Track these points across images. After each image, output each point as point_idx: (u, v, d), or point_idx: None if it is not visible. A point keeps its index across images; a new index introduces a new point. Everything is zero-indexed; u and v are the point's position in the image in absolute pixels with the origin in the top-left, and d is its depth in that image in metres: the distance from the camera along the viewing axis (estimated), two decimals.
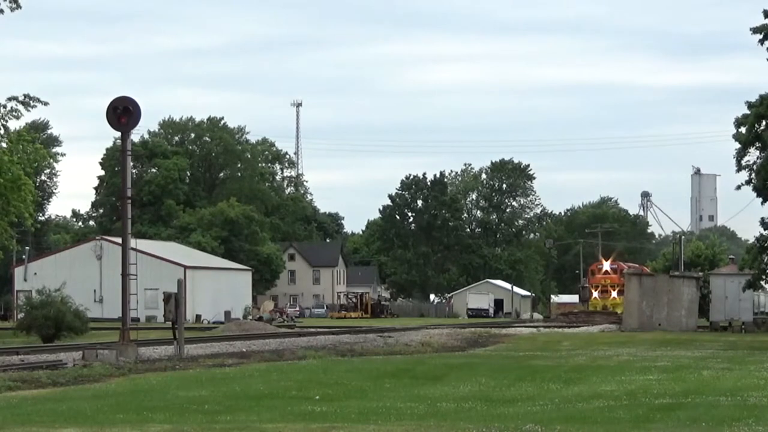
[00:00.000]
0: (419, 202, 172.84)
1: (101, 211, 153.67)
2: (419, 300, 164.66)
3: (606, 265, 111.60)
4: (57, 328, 63.13)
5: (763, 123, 61.56)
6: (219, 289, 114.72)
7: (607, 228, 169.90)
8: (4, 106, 60.69)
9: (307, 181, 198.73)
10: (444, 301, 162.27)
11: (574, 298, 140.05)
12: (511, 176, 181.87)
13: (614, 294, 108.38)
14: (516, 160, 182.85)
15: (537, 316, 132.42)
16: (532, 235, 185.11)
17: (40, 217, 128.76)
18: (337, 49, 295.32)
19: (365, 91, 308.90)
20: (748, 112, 61.72)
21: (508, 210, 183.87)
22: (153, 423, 22.95)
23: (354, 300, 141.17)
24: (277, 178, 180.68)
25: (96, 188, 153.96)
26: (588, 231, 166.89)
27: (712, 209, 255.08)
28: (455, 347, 57.93)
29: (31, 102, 60.59)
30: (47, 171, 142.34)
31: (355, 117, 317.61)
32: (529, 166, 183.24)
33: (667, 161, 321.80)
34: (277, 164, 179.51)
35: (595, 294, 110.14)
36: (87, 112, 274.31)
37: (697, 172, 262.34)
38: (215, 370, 39.08)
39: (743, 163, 62.12)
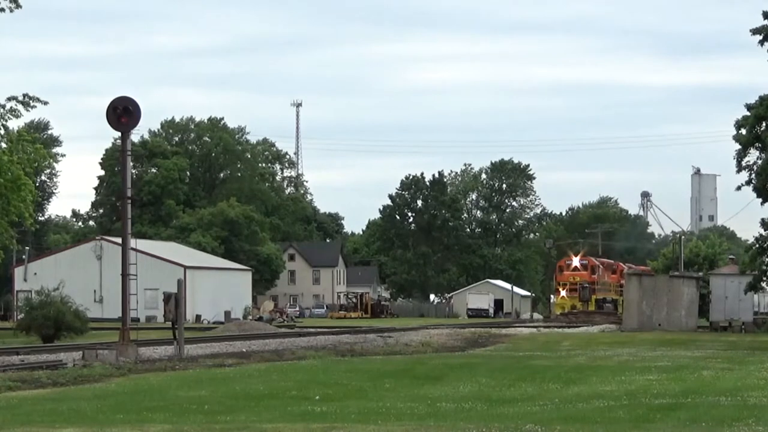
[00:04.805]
0: (419, 202, 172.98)
1: (101, 211, 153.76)
2: (419, 300, 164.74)
3: (575, 261, 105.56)
4: (57, 328, 63.12)
5: (763, 124, 61.66)
6: (219, 289, 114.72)
7: (607, 228, 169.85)
8: (4, 106, 60.67)
9: (307, 181, 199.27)
10: (444, 301, 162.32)
11: None
12: (511, 176, 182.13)
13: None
14: (516, 160, 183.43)
15: (537, 316, 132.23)
16: (532, 235, 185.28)
17: (40, 217, 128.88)
18: (337, 49, 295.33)
19: (365, 91, 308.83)
20: (747, 113, 61.86)
21: (508, 210, 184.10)
22: (153, 423, 22.95)
23: (354, 300, 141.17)
24: (277, 178, 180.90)
25: (96, 188, 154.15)
26: (588, 231, 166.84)
27: (712, 209, 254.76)
28: (455, 347, 57.93)
29: (30, 102, 60.53)
30: (47, 171, 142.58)
31: (355, 117, 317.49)
32: (529, 166, 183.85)
33: (667, 161, 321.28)
34: (277, 164, 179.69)
35: (563, 293, 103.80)
36: (87, 112, 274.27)
37: (697, 172, 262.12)
38: (215, 370, 39.07)
39: (743, 163, 62.24)
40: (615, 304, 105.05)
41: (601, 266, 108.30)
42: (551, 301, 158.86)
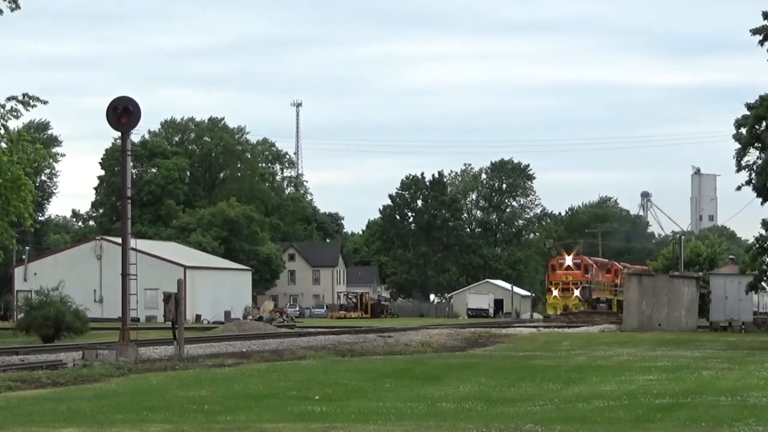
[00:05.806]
0: (419, 202, 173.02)
1: (101, 211, 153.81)
2: (419, 300, 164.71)
3: (568, 260, 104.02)
4: (57, 328, 63.12)
5: (763, 124, 61.73)
6: (219, 289, 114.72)
7: (607, 228, 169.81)
8: (4, 106, 60.63)
9: (307, 181, 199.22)
10: (444, 301, 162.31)
11: None
12: (511, 176, 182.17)
13: (577, 293, 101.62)
14: (516, 160, 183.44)
15: (537, 316, 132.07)
16: (532, 235, 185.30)
17: (40, 217, 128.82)
18: (337, 49, 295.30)
19: (365, 91, 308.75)
20: (747, 113, 61.92)
21: (508, 210, 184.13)
22: (153, 423, 22.96)
23: (354, 300, 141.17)
24: (277, 178, 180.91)
25: (96, 188, 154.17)
26: (588, 231, 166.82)
27: (712, 209, 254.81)
28: (455, 347, 57.94)
29: (30, 101, 60.49)
30: (47, 171, 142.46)
31: (355, 117, 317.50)
32: (529, 166, 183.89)
33: (667, 161, 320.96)
34: (277, 164, 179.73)
35: (555, 293, 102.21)
36: (87, 112, 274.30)
37: (697, 172, 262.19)
38: (215, 370, 39.07)
39: (743, 163, 62.31)
40: (609, 303, 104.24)
41: (594, 265, 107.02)
42: None
